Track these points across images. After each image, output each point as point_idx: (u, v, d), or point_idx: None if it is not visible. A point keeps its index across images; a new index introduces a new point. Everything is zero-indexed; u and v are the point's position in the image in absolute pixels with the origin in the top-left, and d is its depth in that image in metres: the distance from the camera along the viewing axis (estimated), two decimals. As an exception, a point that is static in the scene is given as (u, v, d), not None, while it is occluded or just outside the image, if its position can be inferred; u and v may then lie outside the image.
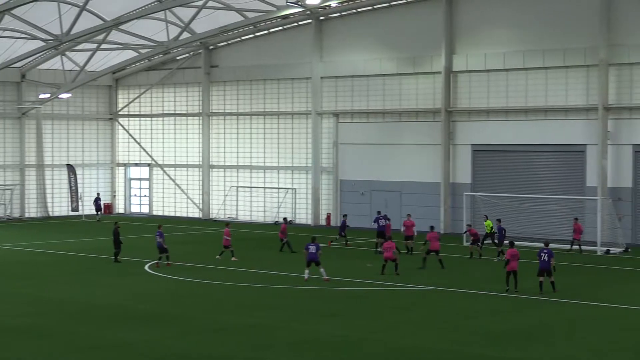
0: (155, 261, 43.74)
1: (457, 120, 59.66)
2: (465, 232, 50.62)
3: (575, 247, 48.88)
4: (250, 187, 69.48)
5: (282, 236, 50.18)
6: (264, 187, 68.71)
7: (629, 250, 49.81)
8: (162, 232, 44.01)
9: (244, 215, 69.46)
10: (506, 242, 44.06)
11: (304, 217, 66.70)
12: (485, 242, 48.91)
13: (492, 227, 48.58)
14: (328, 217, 65.15)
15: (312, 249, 38.81)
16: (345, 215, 53.88)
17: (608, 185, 53.74)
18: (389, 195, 61.64)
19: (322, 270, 38.71)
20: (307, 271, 38.80)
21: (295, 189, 67.24)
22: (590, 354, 25.90)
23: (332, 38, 64.60)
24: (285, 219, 54.19)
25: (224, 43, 70.11)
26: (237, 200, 70.13)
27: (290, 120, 67.37)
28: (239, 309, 32.70)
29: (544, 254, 35.95)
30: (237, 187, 70.16)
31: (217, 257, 45.85)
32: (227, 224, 49.60)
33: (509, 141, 57.58)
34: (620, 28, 53.49)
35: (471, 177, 59.12)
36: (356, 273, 41.34)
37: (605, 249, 49.21)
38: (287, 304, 33.73)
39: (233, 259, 45.49)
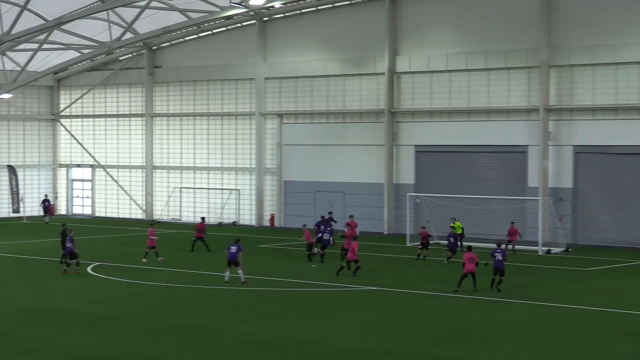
0: (74, 267, 42.49)
1: (401, 121, 59.94)
2: (417, 234, 50.37)
3: (509, 247, 49.09)
4: (194, 188, 69.22)
5: (198, 234, 49.84)
6: (208, 188, 68.49)
7: (570, 250, 50.32)
8: (72, 237, 42.90)
9: (187, 216, 69.14)
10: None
11: (247, 218, 66.59)
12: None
13: (462, 228, 49.12)
14: (272, 218, 65.12)
15: (233, 249, 38.44)
16: (330, 213, 52.98)
17: (549, 186, 54.31)
18: (333, 196, 61.73)
19: (240, 271, 38.39)
20: (227, 272, 38.64)
21: (239, 190, 67.11)
22: (536, 353, 26.11)
23: (276, 39, 64.57)
24: (202, 218, 53.72)
25: (168, 43, 69.79)
26: (180, 201, 69.84)
27: (234, 121, 67.23)
28: (181, 310, 32.56)
29: (497, 254, 36.79)
30: (181, 188, 69.86)
31: (143, 259, 45.26)
32: (151, 224, 49.23)
33: (451, 142, 57.96)
34: (560, 30, 54.09)
35: (414, 177, 59.41)
36: (300, 274, 41.37)
37: (546, 249, 49.68)
38: (229, 305, 33.65)
39: (160, 258, 45.18)
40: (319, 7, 62.34)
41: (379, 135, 60.26)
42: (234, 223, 66.13)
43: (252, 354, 25.98)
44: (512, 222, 50.14)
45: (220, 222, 65.62)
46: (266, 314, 31.97)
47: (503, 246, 41.52)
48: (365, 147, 61.16)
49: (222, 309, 32.78)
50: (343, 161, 61.86)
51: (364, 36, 60.91)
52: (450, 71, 58.01)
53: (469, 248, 38.27)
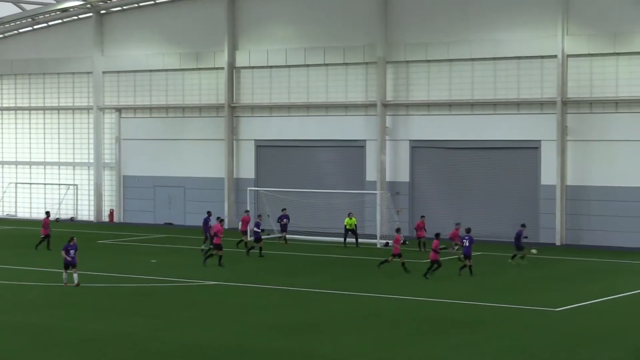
0: None
1: (241, 115, 60.09)
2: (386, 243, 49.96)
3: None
4: (30, 184, 67.79)
5: (44, 232, 48.44)
6: (45, 184, 67.19)
7: (407, 243, 51.19)
8: None
9: (23, 213, 67.67)
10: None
11: (86, 213, 65.64)
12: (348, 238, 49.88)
13: (354, 225, 49.58)
14: (111, 214, 64.37)
15: (72, 252, 36.45)
16: (259, 216, 51.52)
17: (387, 180, 55.36)
18: (173, 191, 61.46)
19: (75, 275, 36.43)
20: (65, 274, 37.24)
21: (77, 185, 66.07)
22: (375, 344, 26.61)
23: (114, 32, 63.77)
24: (47, 212, 52.25)
25: (1, 36, 68.05)
26: (16, 197, 68.28)
27: (72, 115, 66.12)
28: (18, 309, 31.91)
29: (465, 240, 39.27)
30: (16, 183, 68.32)
31: None
32: None
33: (291, 136, 58.42)
34: (397, 26, 55.16)
35: (255, 172, 59.67)
36: (140, 269, 41.09)
37: (384, 241, 50.52)
38: (69, 302, 33.15)
39: None
40: (157, 1, 61.84)
41: (219, 130, 60.25)
42: (72, 219, 65.11)
43: (91, 352, 25.68)
44: (422, 216, 50.39)
45: (58, 218, 64.48)
46: (107, 310, 31.65)
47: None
48: (205, 141, 61.07)
49: (61, 307, 32.27)
50: (183, 156, 61.63)
51: (203, 30, 60.77)
52: (289, 66, 58.44)
53: (437, 235, 39.38)
